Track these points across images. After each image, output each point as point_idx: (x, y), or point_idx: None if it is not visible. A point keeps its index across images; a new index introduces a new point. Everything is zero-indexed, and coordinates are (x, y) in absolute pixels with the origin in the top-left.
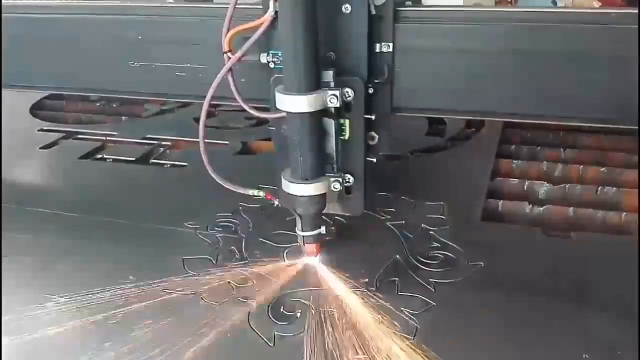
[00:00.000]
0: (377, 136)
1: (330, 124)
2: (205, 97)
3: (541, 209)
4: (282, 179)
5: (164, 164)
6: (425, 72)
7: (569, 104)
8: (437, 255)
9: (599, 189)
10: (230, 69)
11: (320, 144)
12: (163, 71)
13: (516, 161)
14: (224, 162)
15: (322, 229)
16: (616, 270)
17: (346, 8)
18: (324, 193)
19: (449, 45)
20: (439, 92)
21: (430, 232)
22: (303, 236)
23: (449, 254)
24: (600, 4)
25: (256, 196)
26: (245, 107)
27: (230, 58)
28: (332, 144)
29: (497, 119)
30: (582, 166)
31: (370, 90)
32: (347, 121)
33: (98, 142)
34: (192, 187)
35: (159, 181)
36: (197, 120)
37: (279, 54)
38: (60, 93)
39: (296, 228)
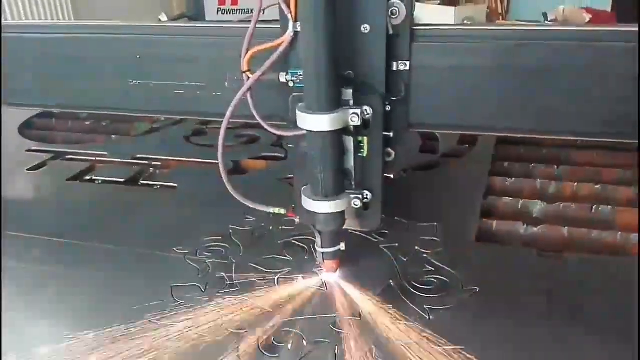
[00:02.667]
0: (393, 153)
1: (349, 141)
2: (203, 113)
3: (536, 229)
4: (303, 196)
5: (154, 185)
6: (440, 90)
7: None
8: (431, 280)
9: (594, 207)
10: (249, 88)
11: (340, 162)
12: (161, 89)
13: (510, 179)
14: (215, 181)
15: (342, 246)
16: (612, 292)
17: (365, 28)
18: (344, 210)
19: (464, 63)
20: (454, 109)
21: (424, 255)
22: (323, 253)
23: (443, 278)
24: (590, 16)
25: (277, 214)
26: (265, 125)
27: (249, 78)
28: (350, 161)
29: (513, 135)
30: (576, 184)
31: (388, 108)
32: (365, 138)
33: (87, 163)
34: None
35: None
36: (187, 138)
37: (298, 73)
38: (50, 112)
39: (315, 245)
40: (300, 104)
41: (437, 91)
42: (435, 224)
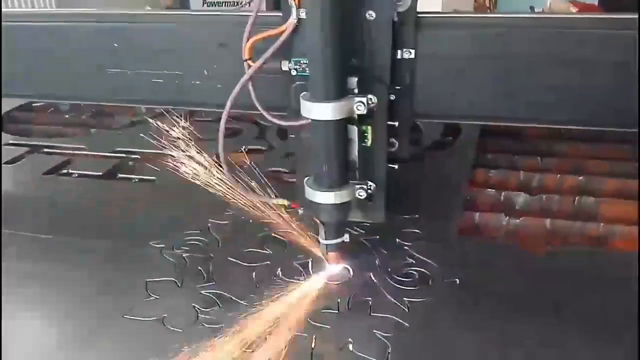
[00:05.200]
0: (397, 142)
1: (353, 130)
2: (182, 102)
3: (519, 220)
4: (306, 187)
5: (132, 179)
6: (446, 79)
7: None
8: (411, 273)
9: (577, 199)
10: (250, 77)
11: (345, 151)
12: (139, 78)
13: (493, 171)
14: None
15: (346, 237)
16: (595, 284)
17: (370, 15)
18: (349, 201)
19: (470, 52)
20: (461, 99)
21: (405, 247)
22: (326, 245)
23: (423, 270)
24: (577, 9)
25: (280, 205)
26: (267, 115)
27: (250, 66)
28: (354, 151)
29: (520, 125)
30: (559, 175)
31: (392, 97)
32: (369, 127)
33: (65, 157)
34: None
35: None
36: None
37: (301, 61)
38: (30, 104)
39: (319, 236)
40: (304, 93)
41: (443, 80)
42: (417, 215)
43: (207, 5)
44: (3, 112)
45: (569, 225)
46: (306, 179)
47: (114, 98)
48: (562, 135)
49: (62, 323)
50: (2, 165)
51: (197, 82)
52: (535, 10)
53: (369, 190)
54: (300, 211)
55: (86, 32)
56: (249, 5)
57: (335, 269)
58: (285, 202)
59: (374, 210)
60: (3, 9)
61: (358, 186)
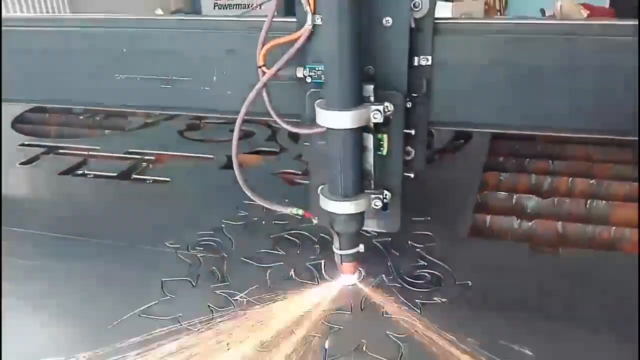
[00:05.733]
0: (413, 151)
1: (369, 138)
2: (191, 108)
3: (530, 223)
4: (321, 196)
5: (147, 179)
6: (463, 86)
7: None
8: (423, 275)
9: (589, 202)
10: (265, 84)
11: (360, 160)
12: (148, 84)
13: (504, 174)
14: (208, 175)
15: (361, 247)
16: (606, 287)
17: (387, 21)
18: (364, 211)
19: (488, 58)
20: (477, 106)
21: (417, 249)
22: (341, 255)
23: (435, 272)
24: (588, 12)
25: (295, 214)
26: (281, 122)
27: (264, 73)
28: (370, 160)
29: (539, 134)
30: (570, 179)
31: (408, 105)
32: (385, 136)
33: (80, 157)
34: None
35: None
36: (181, 133)
37: (316, 68)
38: (44, 106)
39: (333, 246)
40: (319, 101)
41: (460, 88)
42: (429, 218)
43: (218, 8)
44: (17, 113)
45: (581, 228)
46: (320, 187)
47: (121, 104)
48: (573, 138)
49: (77, 321)
50: (18, 165)
51: (206, 88)
52: (546, 14)
53: (385, 200)
54: (315, 221)
55: (95, 37)
56: (260, 8)
57: (350, 278)
58: (300, 212)
59: (390, 220)
60: (15, 13)
61: (374, 196)
